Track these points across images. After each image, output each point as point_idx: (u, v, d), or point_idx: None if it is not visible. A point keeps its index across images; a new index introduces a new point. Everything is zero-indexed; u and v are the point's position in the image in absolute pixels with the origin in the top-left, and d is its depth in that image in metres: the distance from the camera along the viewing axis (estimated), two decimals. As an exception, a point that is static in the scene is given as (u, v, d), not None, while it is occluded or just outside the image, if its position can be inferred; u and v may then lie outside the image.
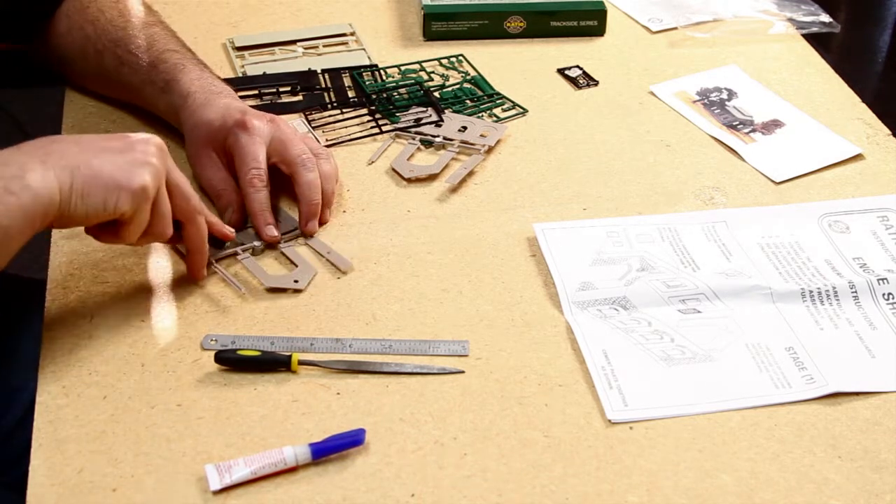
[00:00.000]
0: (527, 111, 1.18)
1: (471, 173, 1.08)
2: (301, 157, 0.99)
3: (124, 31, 1.10)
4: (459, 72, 1.25)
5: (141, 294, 0.92)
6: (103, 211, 0.82)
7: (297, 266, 0.95)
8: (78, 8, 1.12)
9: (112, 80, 1.12)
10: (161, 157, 0.85)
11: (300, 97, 1.18)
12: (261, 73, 1.22)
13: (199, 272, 0.93)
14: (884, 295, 0.94)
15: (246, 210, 0.99)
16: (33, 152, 0.80)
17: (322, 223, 1.00)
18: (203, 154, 1.02)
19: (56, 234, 0.97)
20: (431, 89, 1.21)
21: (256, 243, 0.97)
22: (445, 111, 1.16)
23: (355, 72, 1.23)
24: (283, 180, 1.02)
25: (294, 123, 1.12)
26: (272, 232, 0.97)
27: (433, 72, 1.25)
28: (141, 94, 1.09)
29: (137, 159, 0.83)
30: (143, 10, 1.13)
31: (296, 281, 0.94)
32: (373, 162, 1.10)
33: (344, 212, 1.03)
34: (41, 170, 0.79)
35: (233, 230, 0.96)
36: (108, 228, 0.85)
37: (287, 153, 1.00)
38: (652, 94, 1.22)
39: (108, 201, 0.82)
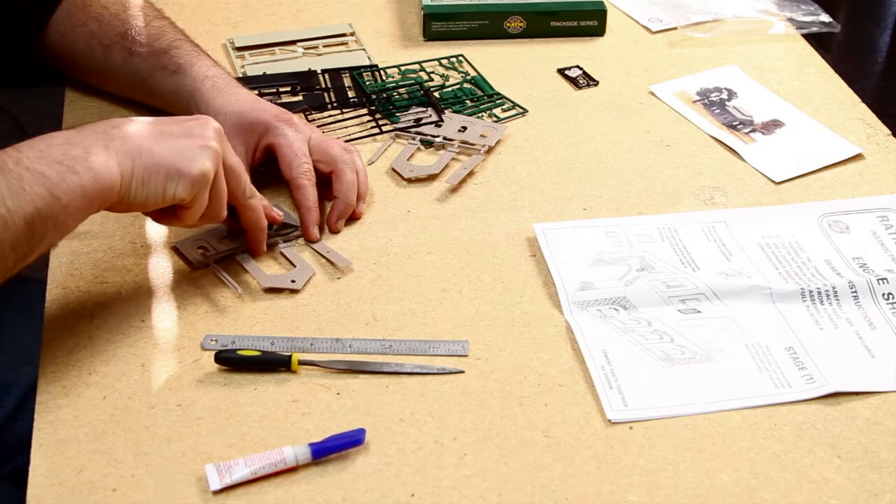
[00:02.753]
0: (527, 111, 1.19)
1: (471, 173, 1.08)
2: (343, 157, 1.00)
3: (131, 24, 1.10)
4: (459, 72, 1.25)
5: (141, 294, 0.92)
6: (163, 198, 0.83)
7: (294, 266, 0.95)
8: (79, 6, 1.12)
9: (119, 74, 1.12)
10: (220, 140, 0.86)
11: (300, 97, 1.18)
12: (261, 73, 1.22)
13: (260, 249, 0.95)
14: (884, 295, 0.94)
15: (294, 205, 1.00)
16: (96, 136, 0.81)
17: (357, 218, 1.01)
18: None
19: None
20: (431, 89, 1.21)
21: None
22: (445, 111, 1.16)
23: (355, 72, 1.23)
24: (277, 178, 1.02)
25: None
26: (317, 233, 0.99)
27: (433, 72, 1.25)
28: (148, 81, 1.09)
29: (197, 144, 0.84)
30: (147, 5, 1.14)
31: (293, 281, 0.94)
32: (373, 162, 1.10)
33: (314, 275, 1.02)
34: (104, 154, 0.80)
35: (281, 213, 0.97)
36: (167, 211, 0.86)
37: (329, 153, 1.00)
38: (652, 94, 1.22)
39: (168, 188, 0.83)
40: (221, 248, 0.96)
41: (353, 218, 1.01)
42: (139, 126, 0.84)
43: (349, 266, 0.96)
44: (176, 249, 0.96)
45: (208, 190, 0.85)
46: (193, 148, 0.84)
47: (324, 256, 0.97)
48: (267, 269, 0.95)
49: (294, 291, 0.93)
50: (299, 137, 1.00)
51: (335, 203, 1.00)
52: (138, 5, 1.13)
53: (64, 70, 1.17)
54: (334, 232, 1.00)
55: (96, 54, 1.11)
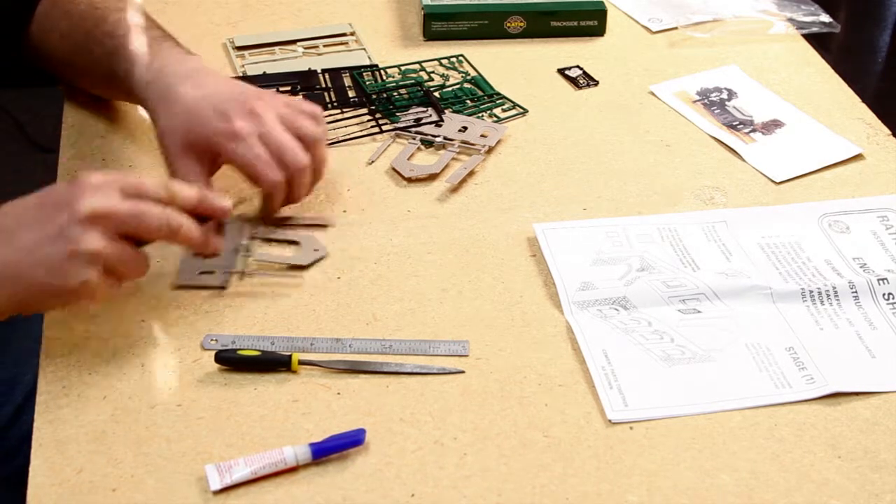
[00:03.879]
0: (527, 111, 1.18)
1: (471, 173, 1.08)
2: (296, 166, 0.95)
3: (93, 22, 1.04)
4: (459, 72, 1.25)
5: (141, 294, 0.92)
6: (50, 310, 0.81)
7: (298, 243, 0.96)
8: (54, 3, 1.08)
9: (90, 74, 1.07)
10: (96, 219, 0.78)
11: (300, 97, 1.18)
12: (261, 73, 1.22)
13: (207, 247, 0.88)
14: (884, 295, 0.94)
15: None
16: None
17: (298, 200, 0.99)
18: (181, 163, 0.95)
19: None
20: (431, 89, 1.21)
21: (243, 241, 0.97)
22: (445, 111, 1.16)
23: (355, 72, 1.23)
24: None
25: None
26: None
27: (433, 72, 1.25)
28: (110, 83, 1.04)
29: (69, 249, 0.77)
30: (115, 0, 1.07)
31: (315, 250, 0.96)
32: (373, 162, 1.10)
33: (344, 211, 1.03)
34: None
35: (228, 203, 0.89)
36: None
37: (281, 157, 0.95)
38: (652, 94, 1.22)
39: (52, 304, 0.81)
40: (229, 260, 0.95)
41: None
42: (11, 234, 0.78)
43: (334, 221, 0.98)
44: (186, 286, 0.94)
45: (101, 284, 0.79)
46: (64, 258, 0.77)
47: (308, 224, 0.98)
48: (278, 252, 0.97)
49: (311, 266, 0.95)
50: (252, 149, 0.93)
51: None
52: (103, 1, 1.06)
53: (50, 73, 1.13)
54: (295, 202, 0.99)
55: (69, 56, 1.07)
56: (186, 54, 1.02)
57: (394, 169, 1.08)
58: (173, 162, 0.96)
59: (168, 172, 0.98)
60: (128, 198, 0.81)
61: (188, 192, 0.85)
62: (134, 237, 0.82)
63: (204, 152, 0.95)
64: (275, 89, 1.18)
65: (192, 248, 0.87)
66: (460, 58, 1.27)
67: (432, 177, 1.08)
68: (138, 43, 1.01)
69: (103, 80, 1.06)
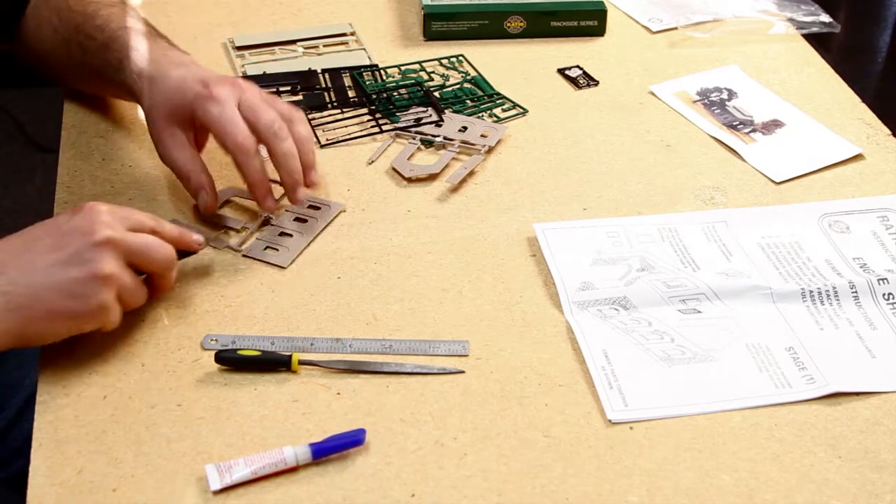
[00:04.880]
0: (527, 111, 1.18)
1: (471, 173, 1.08)
2: (272, 127, 0.93)
3: (83, 16, 1.04)
4: (459, 72, 1.25)
5: (141, 294, 0.92)
6: (66, 336, 0.80)
7: (319, 208, 0.99)
8: (45, 1, 1.08)
9: (80, 71, 1.07)
10: (110, 243, 0.80)
11: (300, 97, 1.18)
12: (261, 73, 1.22)
13: (154, 296, 0.89)
14: (884, 295, 0.94)
15: (244, 182, 0.96)
16: None
17: (310, 185, 0.97)
18: (166, 133, 0.96)
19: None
20: (431, 89, 1.21)
21: (235, 226, 0.98)
22: (445, 111, 1.16)
23: (355, 72, 1.23)
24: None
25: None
26: (272, 202, 0.95)
27: (433, 72, 1.25)
28: (101, 77, 1.04)
29: (86, 273, 0.78)
30: None
31: (332, 206, 1.00)
32: (373, 162, 1.10)
33: (344, 211, 1.03)
34: None
35: (201, 238, 0.91)
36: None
37: (258, 122, 0.93)
38: (652, 94, 1.22)
39: (70, 329, 0.80)
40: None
41: (309, 185, 0.97)
42: (16, 262, 0.78)
43: (343, 207, 0.98)
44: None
45: (116, 302, 0.81)
46: (83, 280, 0.78)
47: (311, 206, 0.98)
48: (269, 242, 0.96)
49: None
50: (224, 108, 0.92)
51: (280, 175, 0.95)
52: None
53: (42, 73, 1.13)
54: (297, 203, 0.97)
55: (59, 51, 1.07)
56: (180, 52, 1.02)
57: (394, 169, 1.08)
58: (159, 133, 0.96)
59: (157, 149, 0.98)
60: (132, 230, 0.84)
61: (170, 227, 0.88)
62: (136, 267, 0.84)
63: (186, 120, 0.95)
64: (275, 89, 1.19)
65: (164, 285, 0.89)
66: (460, 58, 1.27)
67: (432, 177, 1.08)
68: (132, 36, 1.01)
69: (95, 75, 1.05)
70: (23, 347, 0.80)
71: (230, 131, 0.92)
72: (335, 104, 1.17)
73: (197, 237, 0.90)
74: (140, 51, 1.00)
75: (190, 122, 0.96)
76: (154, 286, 0.88)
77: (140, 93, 0.98)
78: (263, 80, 1.20)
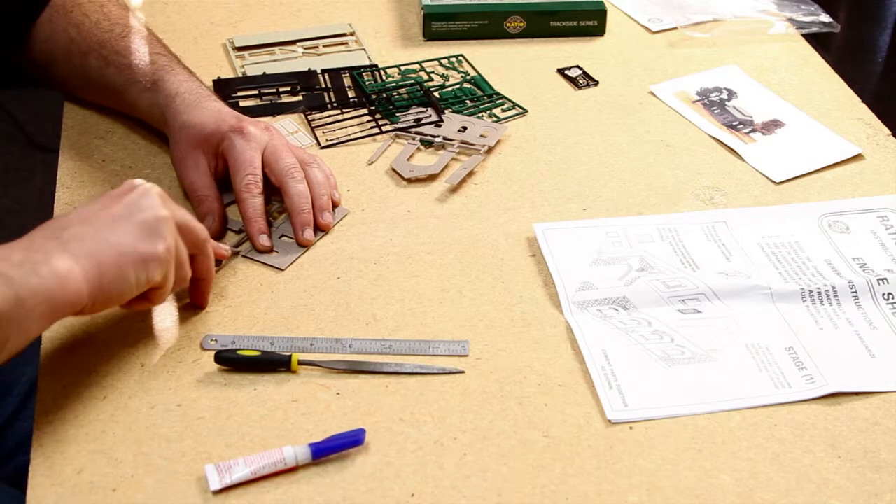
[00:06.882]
0: (527, 111, 1.18)
1: (471, 173, 1.08)
2: (289, 169, 0.99)
3: (111, 34, 1.09)
4: (459, 72, 1.25)
5: (141, 294, 0.92)
6: (136, 288, 0.80)
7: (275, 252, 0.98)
8: (61, 12, 1.11)
9: (95, 82, 1.10)
10: (166, 204, 0.83)
11: (300, 97, 1.18)
12: (261, 73, 1.22)
13: (205, 299, 0.91)
14: (884, 295, 0.94)
15: (241, 216, 0.99)
16: (51, 242, 0.77)
17: (324, 229, 1.00)
18: (190, 157, 1.01)
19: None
20: (431, 89, 1.21)
21: (235, 228, 1.00)
22: (445, 111, 1.16)
23: (355, 72, 1.23)
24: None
25: (283, 122, 1.13)
26: (265, 241, 0.97)
27: (433, 72, 1.25)
28: (124, 94, 1.08)
29: (148, 220, 0.81)
30: (129, 15, 1.12)
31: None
32: (373, 162, 1.10)
33: (347, 215, 1.03)
34: (66, 260, 0.76)
35: (228, 248, 0.95)
36: (137, 298, 0.82)
37: (277, 164, 0.99)
38: (652, 94, 1.22)
39: (139, 277, 0.80)
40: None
41: (321, 229, 1.00)
42: (86, 218, 0.80)
43: (285, 268, 0.96)
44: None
45: (174, 263, 0.83)
46: (146, 226, 0.80)
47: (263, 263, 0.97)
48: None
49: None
50: (250, 147, 0.99)
51: (291, 217, 0.99)
52: (119, 16, 1.11)
53: (43, 77, 1.15)
54: (304, 246, 0.98)
55: (74, 61, 1.10)
56: (200, 84, 1.07)
57: (393, 169, 1.08)
58: (183, 154, 1.01)
59: (177, 168, 1.02)
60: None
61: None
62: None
63: (212, 147, 1.01)
64: (275, 89, 1.19)
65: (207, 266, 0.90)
66: (460, 58, 1.27)
67: (432, 177, 1.08)
68: (171, 62, 1.07)
69: (110, 88, 1.09)
70: (105, 307, 0.80)
71: (244, 168, 0.98)
72: (335, 104, 1.17)
73: (225, 246, 0.94)
74: (181, 77, 1.05)
75: (215, 151, 1.01)
76: (195, 268, 0.88)
77: (170, 114, 1.03)
78: (263, 81, 1.20)
